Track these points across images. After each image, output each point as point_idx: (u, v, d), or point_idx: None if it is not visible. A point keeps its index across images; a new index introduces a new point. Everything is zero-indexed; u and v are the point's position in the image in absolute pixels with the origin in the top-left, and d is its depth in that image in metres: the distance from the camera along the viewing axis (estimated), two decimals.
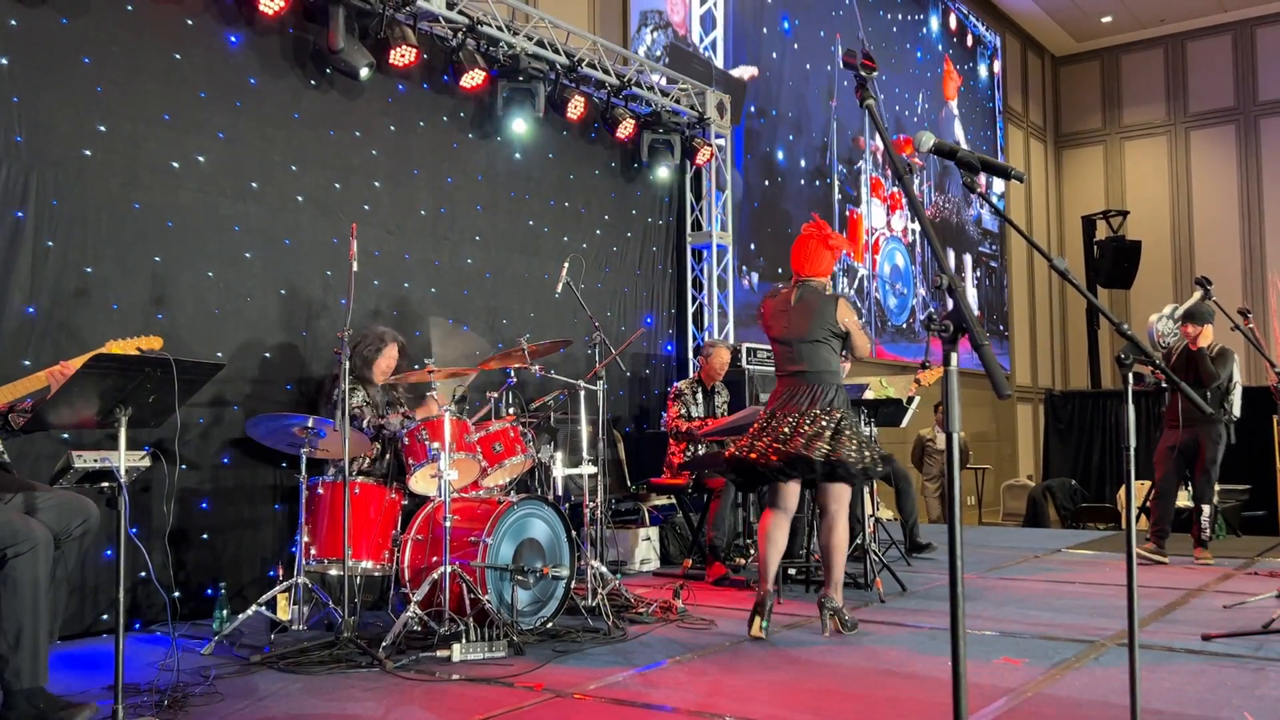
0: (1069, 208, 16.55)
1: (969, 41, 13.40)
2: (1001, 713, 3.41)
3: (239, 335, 5.48)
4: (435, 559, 4.51)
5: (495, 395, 5.50)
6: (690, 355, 8.69)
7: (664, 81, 8.25)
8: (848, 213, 10.05)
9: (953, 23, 13.02)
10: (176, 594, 5.00)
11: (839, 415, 4.64)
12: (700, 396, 6.93)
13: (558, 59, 7.19)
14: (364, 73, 5.90)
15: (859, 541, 5.92)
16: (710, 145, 8.50)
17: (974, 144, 14.09)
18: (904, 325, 10.66)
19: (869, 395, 5.94)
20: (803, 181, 9.60)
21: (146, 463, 3.38)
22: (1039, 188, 16.45)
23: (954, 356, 1.67)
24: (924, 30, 12.14)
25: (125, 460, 3.24)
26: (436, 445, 4.60)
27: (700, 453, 6.68)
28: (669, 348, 8.65)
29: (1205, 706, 3.43)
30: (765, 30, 9.35)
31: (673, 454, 6.88)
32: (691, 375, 7.55)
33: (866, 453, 4.62)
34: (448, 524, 4.41)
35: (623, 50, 8.09)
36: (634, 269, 8.24)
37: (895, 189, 10.76)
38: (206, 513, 5.25)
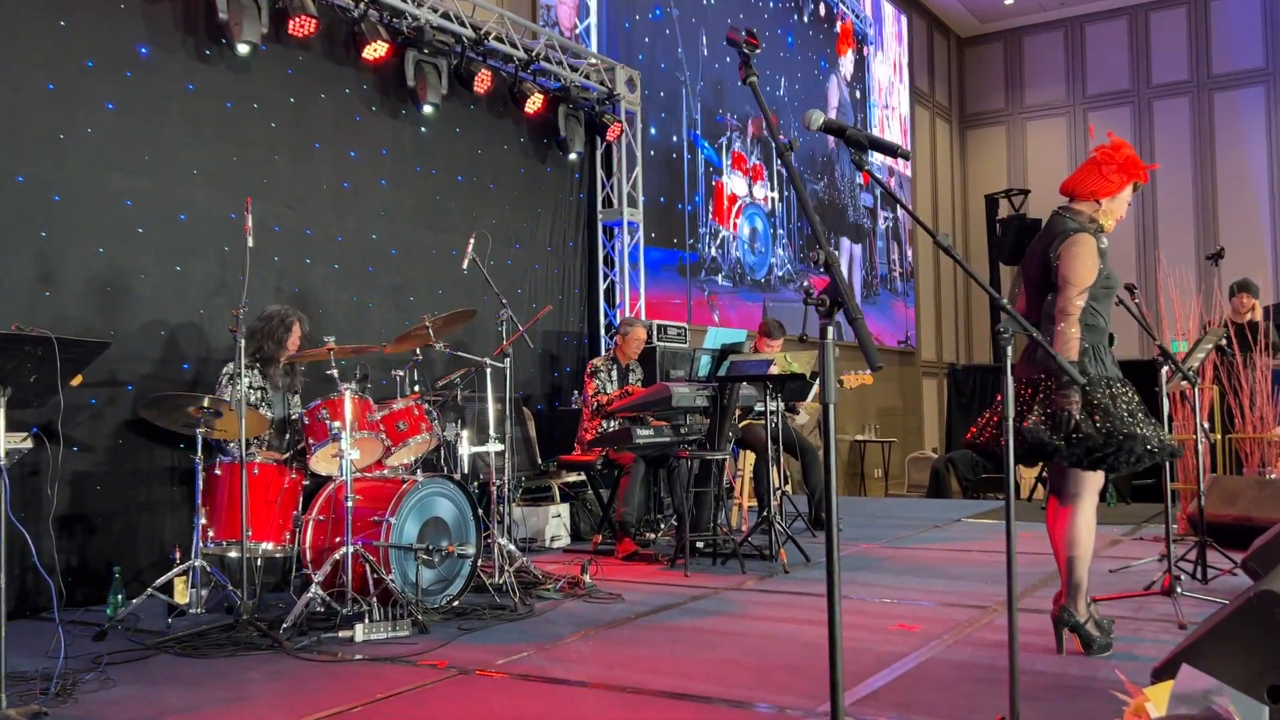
0: (973, 186, 16.95)
1: (837, 27, 13.69)
2: (896, 676, 3.51)
3: (132, 313, 5.31)
4: (338, 539, 4.46)
5: (401, 373, 5.43)
6: (602, 332, 8.69)
7: (572, 57, 8.21)
8: (713, 183, 10.89)
9: (822, 10, 13.33)
10: (69, 579, 4.87)
11: (1038, 379, 3.73)
12: (615, 374, 6.95)
13: (464, 32, 7.09)
14: (242, 49, 5.75)
15: (765, 514, 6.03)
16: (620, 121, 8.49)
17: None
18: (762, 279, 11.68)
19: (774, 370, 6.01)
20: (674, 155, 10.26)
21: (29, 444, 3.27)
22: (944, 167, 16.80)
23: (830, 330, 1.71)
24: (794, 17, 12.63)
25: (4, 442, 3.13)
26: (338, 424, 4.54)
27: (612, 429, 6.70)
28: (581, 325, 8.64)
29: (1085, 666, 3.58)
30: (638, 17, 9.89)
31: (585, 430, 6.89)
32: (606, 353, 7.56)
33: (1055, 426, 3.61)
34: (349, 504, 4.36)
35: (531, 24, 8.01)
36: (545, 246, 8.20)
37: (757, 162, 11.75)
38: (101, 495, 5.10)
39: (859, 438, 13.22)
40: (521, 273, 7.92)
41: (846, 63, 13.88)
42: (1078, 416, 3.55)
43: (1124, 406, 3.61)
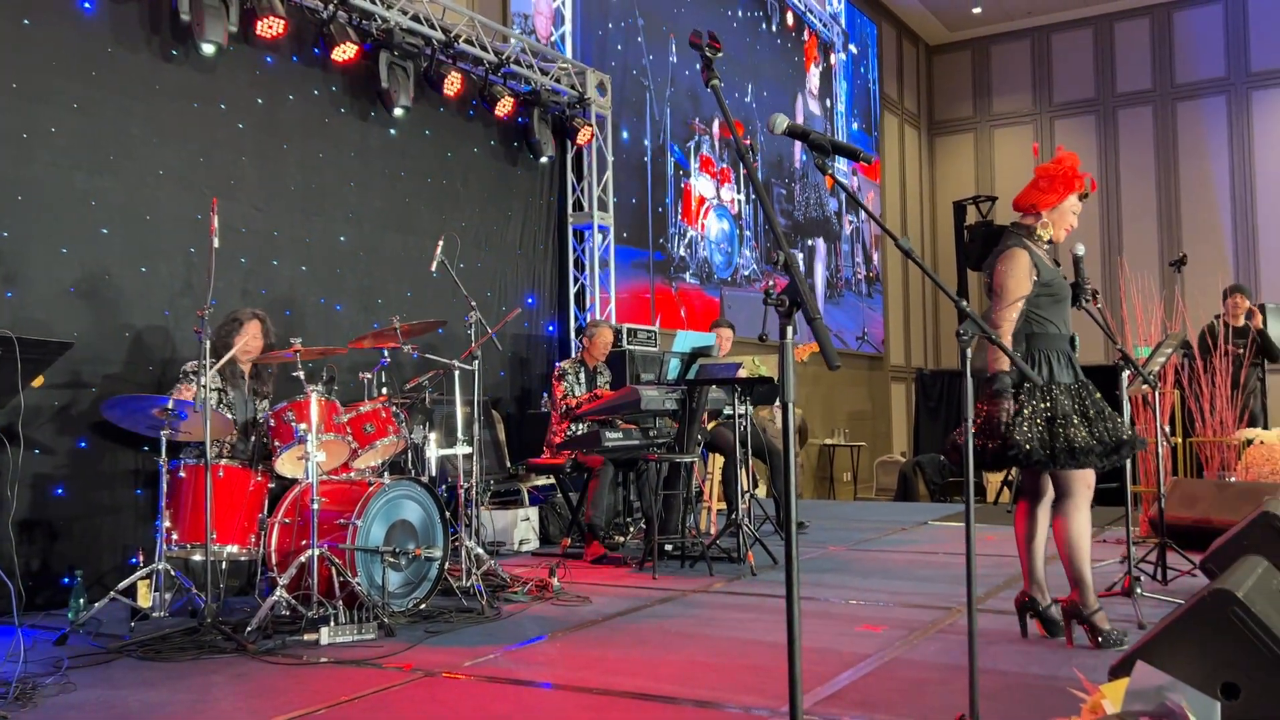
0: (941, 193, 17.10)
1: (805, 36, 13.80)
2: (859, 676, 3.54)
3: (96, 314, 5.26)
4: (304, 542, 4.43)
5: (368, 376, 5.41)
6: (572, 336, 8.70)
7: (543, 61, 8.22)
8: (683, 185, 11.09)
9: (790, 20, 13.45)
10: (30, 583, 4.80)
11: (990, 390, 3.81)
12: (583, 376, 6.95)
13: (434, 34, 7.08)
14: (207, 48, 5.71)
15: (734, 517, 6.05)
16: (591, 125, 8.51)
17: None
18: (728, 279, 11.87)
19: (742, 374, 6.05)
20: (645, 158, 10.40)
21: None
22: (913, 173, 16.94)
23: (789, 330, 1.73)
24: (762, 26, 12.77)
25: None
26: (304, 426, 4.52)
27: (580, 432, 6.71)
28: (551, 328, 8.65)
29: (1046, 665, 3.63)
30: (611, 25, 10.00)
31: (553, 434, 6.89)
32: (574, 355, 7.57)
33: (1028, 433, 3.70)
34: (315, 506, 4.34)
35: (501, 28, 8.01)
36: (515, 249, 8.19)
37: (724, 165, 11.98)
38: (62, 499, 5.04)
39: (828, 441, 13.29)
40: (492, 275, 7.91)
41: (813, 78, 14.00)
42: (1007, 422, 3.69)
43: (1045, 412, 3.73)
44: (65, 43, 5.21)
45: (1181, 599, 4.03)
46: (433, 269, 5.52)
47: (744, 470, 6.44)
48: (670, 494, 6.31)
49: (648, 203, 10.21)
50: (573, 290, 8.78)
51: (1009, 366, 3.72)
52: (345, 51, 6.41)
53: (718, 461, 7.39)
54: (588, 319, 8.59)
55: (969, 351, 2.45)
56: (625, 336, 8.20)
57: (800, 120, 13.44)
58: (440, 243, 5.55)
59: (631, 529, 7.22)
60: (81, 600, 4.47)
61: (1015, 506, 4.14)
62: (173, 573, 4.42)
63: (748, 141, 12.23)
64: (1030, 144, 16.37)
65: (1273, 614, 2.70)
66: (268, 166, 6.21)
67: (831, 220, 14.32)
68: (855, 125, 15.20)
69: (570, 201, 8.80)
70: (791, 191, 13.36)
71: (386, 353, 5.38)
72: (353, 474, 5.05)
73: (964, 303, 2.42)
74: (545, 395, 7.75)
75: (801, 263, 13.66)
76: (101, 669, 3.80)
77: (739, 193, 12.08)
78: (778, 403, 7.62)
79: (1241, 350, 7.42)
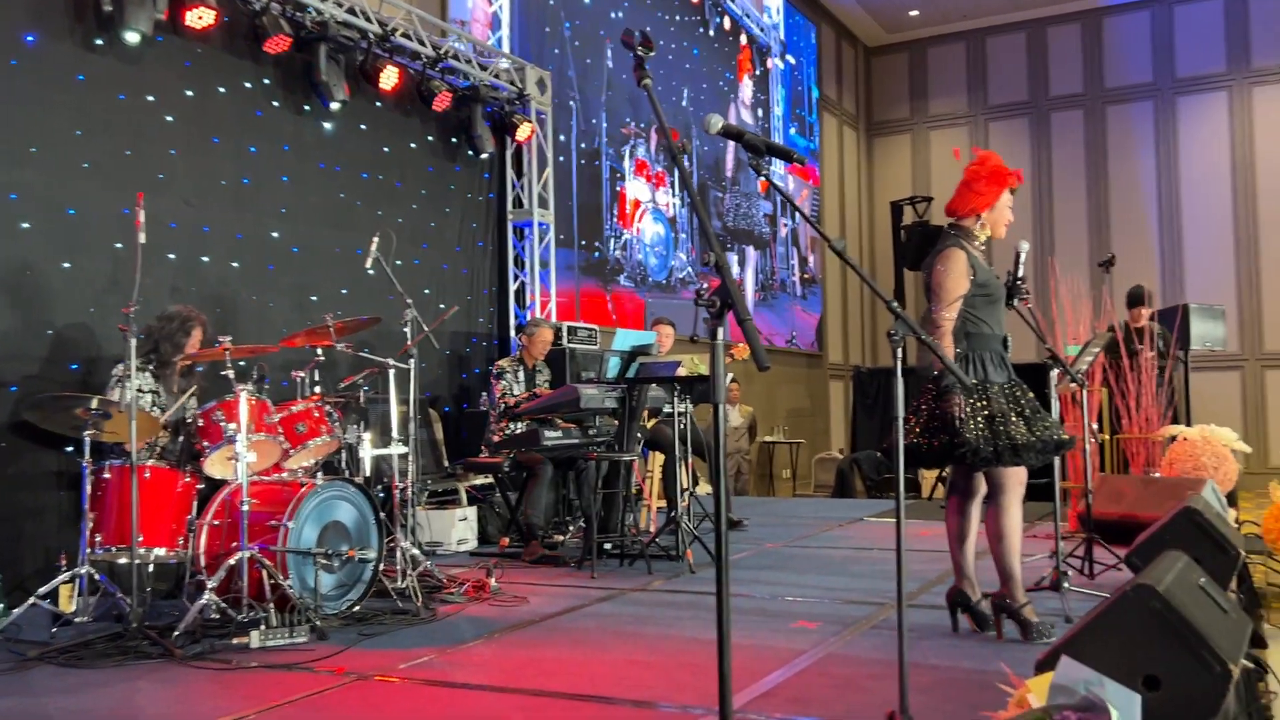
0: (879, 193, 17.30)
1: (743, 40, 13.89)
2: (794, 673, 3.57)
3: (16, 312, 5.10)
4: (234, 544, 4.34)
5: (301, 374, 5.32)
6: (512, 334, 8.65)
7: (482, 55, 8.15)
8: (618, 188, 11.09)
9: (727, 25, 13.54)
10: None
11: (925, 388, 3.96)
12: (522, 375, 6.91)
13: (370, 27, 6.98)
14: (130, 37, 5.56)
15: (673, 515, 6.06)
16: (531, 122, 8.46)
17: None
18: (663, 281, 11.86)
19: (681, 372, 6.05)
20: (581, 161, 10.39)
21: None
22: (851, 174, 17.12)
23: (720, 331, 1.73)
24: (699, 30, 12.87)
25: None
26: (233, 426, 4.43)
27: (519, 431, 6.66)
28: (490, 326, 8.58)
29: (976, 660, 3.68)
30: (548, 29, 10.01)
31: (492, 433, 6.84)
32: (513, 354, 7.52)
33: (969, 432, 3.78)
34: (245, 508, 4.25)
35: (439, 22, 7.93)
36: (454, 246, 8.12)
37: (660, 169, 11.98)
38: None
39: (768, 439, 13.38)
40: (429, 272, 7.82)
41: (745, 88, 14.07)
42: (960, 417, 3.76)
43: (983, 411, 3.81)
44: None
45: (1107, 593, 4.12)
46: (368, 266, 5.45)
47: (684, 468, 6.44)
48: (610, 492, 6.30)
49: (573, 206, 10.17)
50: (512, 288, 8.73)
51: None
52: (279, 44, 6.30)
53: (658, 459, 7.39)
54: (528, 317, 8.54)
55: (899, 351, 2.48)
56: (565, 335, 8.17)
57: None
58: (375, 239, 5.47)
59: (571, 528, 7.20)
60: (0, 605, 4.34)
61: (947, 503, 4.21)
62: (97, 576, 4.29)
63: (681, 145, 12.30)
64: (965, 145, 16.63)
65: (1193, 608, 2.77)
66: (197, 160, 6.07)
67: (763, 226, 14.39)
68: (792, 130, 15.31)
69: (510, 199, 8.74)
70: (725, 196, 13.42)
71: (320, 351, 5.29)
72: (284, 474, 4.97)
73: (895, 304, 2.45)
74: (484, 394, 7.69)
75: (734, 266, 13.72)
76: (19, 676, 3.69)
77: (674, 196, 12.13)
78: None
79: (1154, 349, 7.66)
